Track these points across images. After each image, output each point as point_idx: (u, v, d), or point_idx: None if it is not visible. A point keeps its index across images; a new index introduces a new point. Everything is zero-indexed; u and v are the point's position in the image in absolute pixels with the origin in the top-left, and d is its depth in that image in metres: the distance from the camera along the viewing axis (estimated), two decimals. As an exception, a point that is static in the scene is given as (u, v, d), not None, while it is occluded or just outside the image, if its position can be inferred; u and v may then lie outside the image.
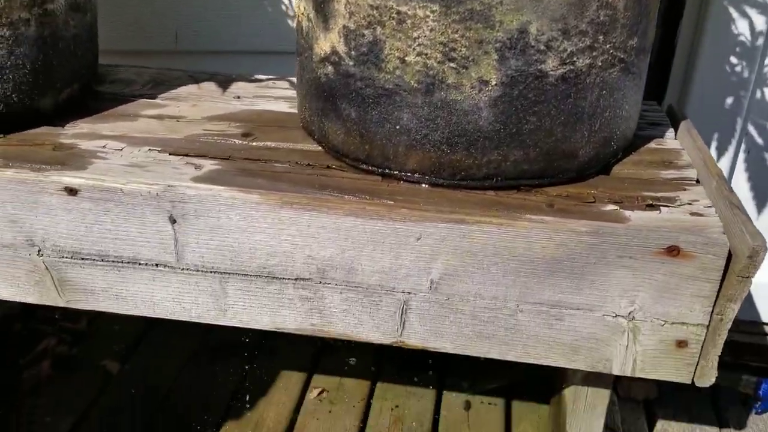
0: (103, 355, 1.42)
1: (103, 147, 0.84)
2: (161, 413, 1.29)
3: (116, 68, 1.10)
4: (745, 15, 1.04)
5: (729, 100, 1.10)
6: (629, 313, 0.73)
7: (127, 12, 1.23)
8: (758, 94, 1.11)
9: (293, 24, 1.20)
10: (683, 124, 0.93)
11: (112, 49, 1.18)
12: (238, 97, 1.01)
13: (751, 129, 1.13)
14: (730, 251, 0.68)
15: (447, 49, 0.68)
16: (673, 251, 0.69)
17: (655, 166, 0.82)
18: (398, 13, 0.68)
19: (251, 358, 1.43)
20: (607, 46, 0.70)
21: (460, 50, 0.67)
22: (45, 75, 0.87)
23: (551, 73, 0.69)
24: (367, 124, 0.75)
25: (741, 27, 1.05)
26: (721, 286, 0.70)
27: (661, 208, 0.73)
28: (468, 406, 1.32)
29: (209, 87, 1.05)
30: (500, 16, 0.66)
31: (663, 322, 0.73)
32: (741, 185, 1.17)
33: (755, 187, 1.17)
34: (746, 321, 1.26)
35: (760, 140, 1.14)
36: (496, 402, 1.33)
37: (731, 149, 1.14)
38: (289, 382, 1.36)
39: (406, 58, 0.69)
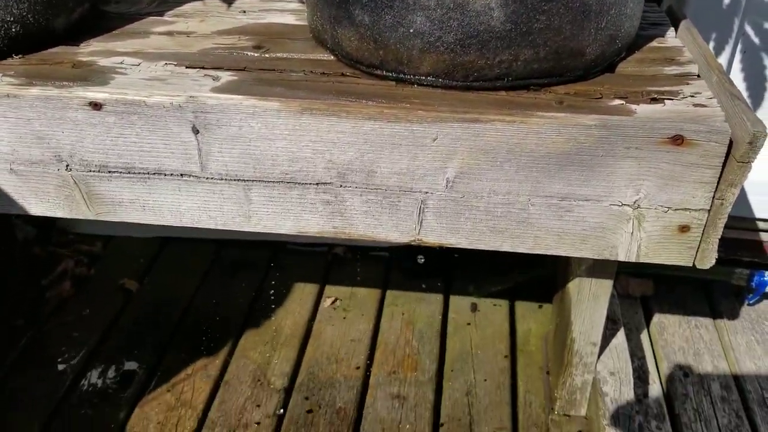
0: (121, 274, 1.47)
1: (121, 63, 0.86)
2: (182, 326, 1.35)
3: None
4: None
5: (726, 0, 1.12)
6: (635, 202, 0.77)
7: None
8: (755, -6, 1.12)
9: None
10: (683, 23, 0.96)
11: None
12: (244, 12, 1.03)
13: (748, 29, 1.16)
14: (731, 138, 0.72)
15: (459, -50, 0.69)
16: (677, 140, 0.73)
17: (658, 63, 0.85)
18: None
19: (265, 273, 1.48)
20: (614, -58, 0.72)
21: (472, -49, 0.69)
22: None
23: (560, -30, 0.71)
24: (380, 29, 0.77)
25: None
26: (722, 172, 0.74)
27: (665, 101, 0.76)
28: (474, 308, 1.39)
29: (214, 2, 1.05)
30: None
31: (667, 209, 0.77)
32: (737, 83, 1.20)
33: (751, 87, 1.20)
34: (738, 217, 1.31)
35: (756, 39, 1.16)
36: (501, 303, 1.40)
37: (728, 49, 1.16)
38: (303, 293, 1.42)
39: (419, -39, 0.71)
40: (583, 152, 0.75)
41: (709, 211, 0.77)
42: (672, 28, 0.96)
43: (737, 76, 1.20)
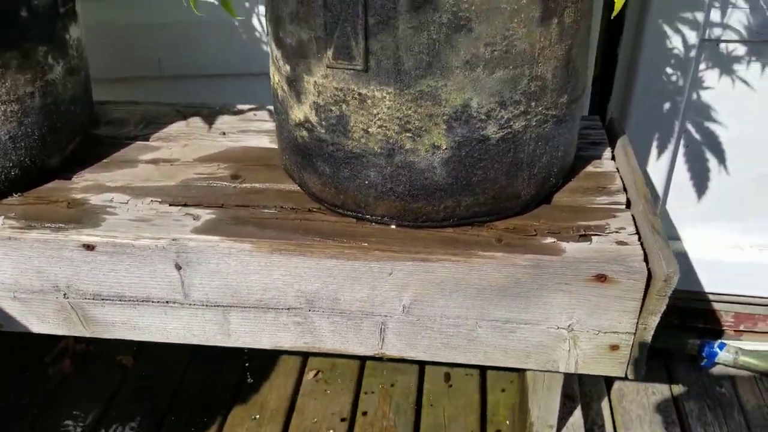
0: (118, 351, 1.57)
1: (111, 201, 0.96)
2: (174, 402, 1.44)
3: (109, 107, 1.21)
4: (678, 31, 1.15)
5: (667, 105, 1.22)
6: (569, 326, 0.87)
7: (113, 42, 1.32)
8: (694, 96, 1.23)
9: (266, 48, 1.30)
10: (620, 141, 1.06)
11: (100, 77, 1.28)
12: (224, 134, 1.13)
13: (690, 127, 1.26)
14: (650, 273, 0.82)
15: (403, 122, 0.79)
16: (601, 278, 0.83)
17: (590, 193, 0.95)
18: (359, 94, 0.79)
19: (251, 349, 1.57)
20: (540, 108, 0.82)
21: (414, 123, 0.79)
22: (51, 137, 0.98)
23: (492, 136, 0.81)
24: (340, 180, 0.87)
25: (675, 42, 1.16)
26: (643, 303, 0.84)
27: (592, 237, 0.86)
28: (447, 377, 1.49)
29: (196, 123, 1.15)
30: (446, 95, 0.77)
31: (597, 332, 0.87)
32: (682, 174, 1.30)
33: (694, 177, 1.30)
34: (690, 291, 1.41)
35: (697, 136, 1.27)
36: (472, 372, 1.50)
37: (671, 146, 1.26)
38: (287, 366, 1.52)
39: (369, 130, 0.81)
40: (520, 286, 0.85)
41: (634, 334, 0.87)
42: (609, 148, 1.06)
43: (681, 168, 1.30)
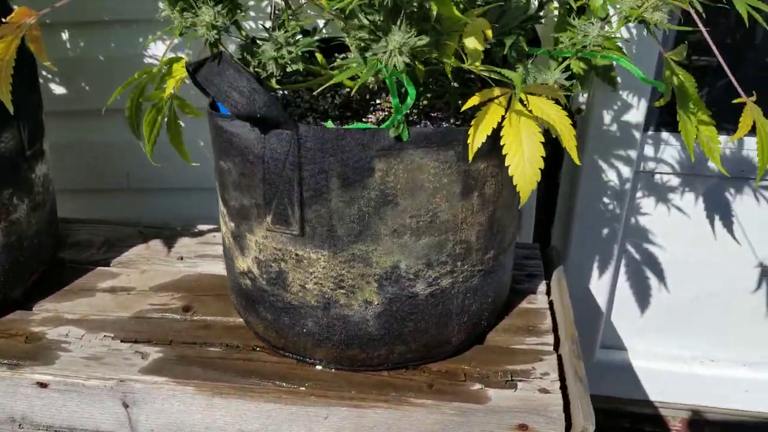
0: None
1: (67, 336, 1.01)
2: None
3: (75, 226, 1.26)
4: (612, 166, 1.23)
5: (605, 231, 1.29)
6: (496, 467, 0.92)
7: (81, 156, 1.38)
8: (632, 221, 1.30)
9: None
10: (555, 273, 1.12)
11: (67, 188, 1.34)
12: (181, 258, 1.18)
13: (629, 247, 1.33)
14: (570, 424, 0.87)
15: (337, 280, 0.85)
16: (523, 427, 0.88)
17: (521, 333, 1.01)
18: (296, 255, 0.85)
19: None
20: (466, 266, 0.88)
21: (348, 281, 0.85)
22: (14, 272, 1.03)
23: (421, 293, 0.87)
24: (280, 326, 0.92)
25: (610, 175, 1.24)
26: (564, 448, 0.89)
27: (517, 384, 0.91)
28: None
29: (156, 246, 1.21)
30: (376, 258, 0.83)
31: (522, 474, 0.92)
32: (625, 290, 1.37)
33: (636, 293, 1.36)
34: (637, 399, 1.46)
35: (637, 256, 1.33)
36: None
37: (611, 267, 1.33)
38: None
39: (306, 285, 0.87)
40: (448, 430, 0.90)
41: (559, 475, 0.91)
42: (545, 281, 1.12)
43: (623, 286, 1.37)
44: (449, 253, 0.86)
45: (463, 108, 0.78)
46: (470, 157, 0.76)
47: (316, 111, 0.93)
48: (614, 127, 1.19)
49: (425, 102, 0.89)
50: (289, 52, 0.81)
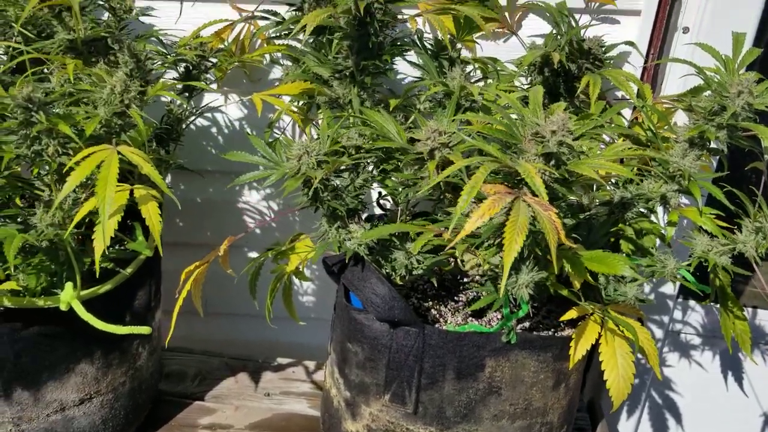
0: None
1: (181, 474, 1.13)
2: None
3: (167, 357, 1.39)
4: (647, 327, 1.41)
5: (637, 380, 1.47)
6: None
7: (165, 283, 1.51)
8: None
9: (302, 299, 1.51)
10: (600, 427, 1.28)
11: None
12: (268, 395, 1.32)
13: (654, 394, 1.51)
14: None
15: (441, 451, 1.00)
16: None
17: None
18: (407, 428, 1.00)
19: None
20: (547, 441, 1.04)
21: (450, 452, 1.00)
22: (134, 413, 1.16)
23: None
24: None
25: (643, 335, 1.43)
26: None
27: None
28: None
29: (243, 380, 1.35)
30: (477, 436, 0.99)
31: None
32: (646, 429, 1.54)
33: (656, 430, 1.54)
34: None
35: (659, 400, 1.51)
36: None
37: (639, 409, 1.51)
38: None
39: (413, 453, 1.02)
40: None
41: None
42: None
43: (646, 424, 1.54)
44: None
45: (563, 318, 0.95)
46: (570, 365, 0.92)
47: (417, 290, 1.10)
48: (652, 296, 1.38)
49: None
50: (418, 261, 0.98)
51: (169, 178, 1.44)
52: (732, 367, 1.46)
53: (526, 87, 1.18)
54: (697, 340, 1.45)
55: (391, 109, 0.97)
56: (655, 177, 1.03)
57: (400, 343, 0.96)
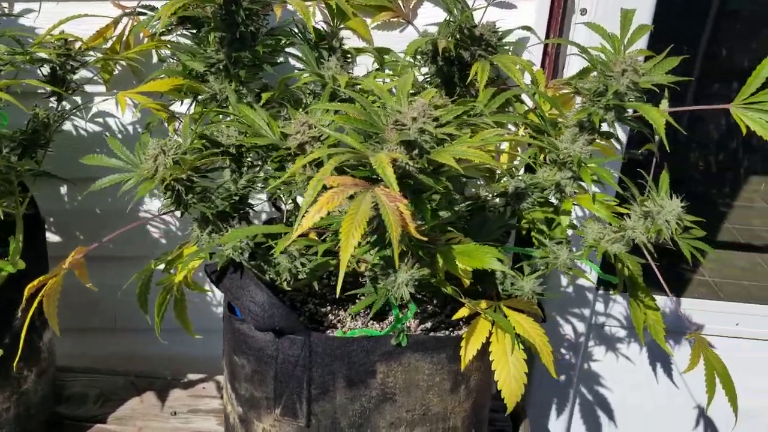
0: None
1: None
2: None
3: (68, 378, 1.31)
4: (568, 321, 1.37)
5: (562, 377, 1.42)
6: None
7: (69, 299, 1.44)
8: (585, 366, 1.44)
9: (216, 310, 1.45)
10: (522, 428, 1.24)
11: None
12: (175, 413, 1.25)
13: (583, 390, 1.46)
14: None
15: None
16: None
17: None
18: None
19: None
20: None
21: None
22: (20, 443, 1.08)
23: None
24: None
25: (567, 329, 1.38)
26: None
27: None
28: None
29: (150, 400, 1.28)
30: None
31: None
32: (578, 427, 1.50)
33: (588, 429, 1.50)
34: None
35: (589, 397, 1.47)
36: None
37: (568, 406, 1.46)
38: None
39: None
40: None
41: None
42: (513, 435, 1.24)
43: (578, 422, 1.50)
44: (437, 440, 0.97)
45: (455, 317, 0.90)
46: (462, 367, 0.87)
47: (315, 296, 1.04)
48: (570, 289, 1.34)
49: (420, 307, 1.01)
50: (302, 264, 0.92)
51: (65, 189, 1.37)
52: (660, 358, 1.43)
53: (424, 77, 1.13)
54: (622, 333, 1.41)
55: (262, 102, 0.92)
56: (550, 165, 0.99)
57: (286, 353, 0.91)
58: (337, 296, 0.90)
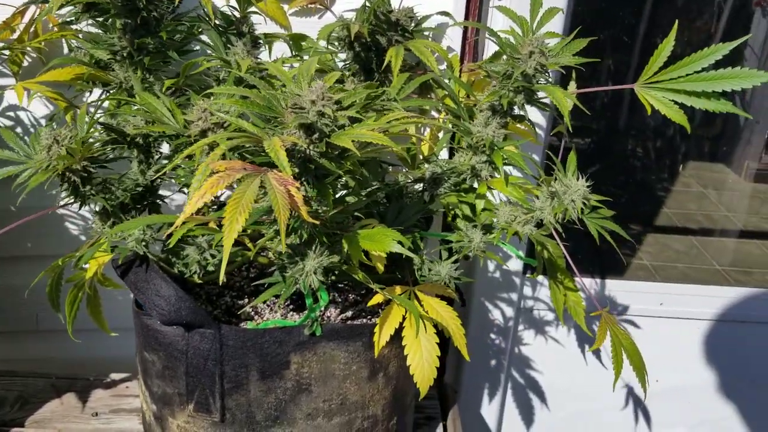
0: None
1: None
2: None
3: (-15, 380, 1.27)
4: (497, 306, 1.38)
5: (493, 362, 1.43)
6: None
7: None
8: (516, 350, 1.45)
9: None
10: (451, 414, 1.24)
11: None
12: (96, 414, 1.21)
13: (515, 374, 1.47)
14: None
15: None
16: None
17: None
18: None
19: None
20: (373, 435, 0.98)
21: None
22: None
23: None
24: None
25: (496, 314, 1.39)
26: None
27: None
28: None
29: (70, 401, 1.23)
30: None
31: None
32: (512, 411, 1.51)
33: (522, 412, 1.51)
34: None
35: (521, 380, 1.48)
36: None
37: (500, 390, 1.47)
38: None
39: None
40: None
41: None
42: (442, 423, 1.24)
43: (511, 405, 1.51)
44: (358, 428, 0.95)
45: (369, 304, 0.89)
46: (376, 354, 0.87)
47: (232, 288, 1.02)
48: (497, 274, 1.35)
49: (334, 290, 1.00)
50: (212, 256, 0.90)
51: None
52: (588, 340, 1.45)
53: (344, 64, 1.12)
54: (550, 316, 1.42)
55: (164, 89, 0.89)
56: (465, 150, 0.99)
57: (196, 348, 0.88)
58: (232, 285, 0.88)
